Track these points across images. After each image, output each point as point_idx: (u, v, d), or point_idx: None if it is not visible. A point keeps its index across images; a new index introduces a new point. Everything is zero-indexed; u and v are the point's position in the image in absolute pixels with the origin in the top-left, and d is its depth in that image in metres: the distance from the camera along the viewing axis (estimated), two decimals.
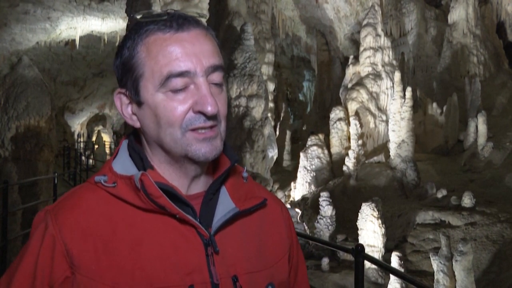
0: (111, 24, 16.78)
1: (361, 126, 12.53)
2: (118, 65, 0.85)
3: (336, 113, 13.31)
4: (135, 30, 0.83)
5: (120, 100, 0.86)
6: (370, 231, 7.10)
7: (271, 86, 14.48)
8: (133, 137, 0.89)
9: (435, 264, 6.10)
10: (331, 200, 8.65)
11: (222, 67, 0.84)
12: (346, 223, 8.98)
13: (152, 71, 0.80)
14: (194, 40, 0.81)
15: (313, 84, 23.24)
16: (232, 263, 0.84)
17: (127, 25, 10.63)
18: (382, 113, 12.99)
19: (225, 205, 0.87)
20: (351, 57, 14.51)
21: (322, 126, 16.95)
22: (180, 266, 0.80)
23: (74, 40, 17.46)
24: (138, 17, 0.83)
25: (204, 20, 0.87)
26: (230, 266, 0.83)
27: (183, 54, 0.79)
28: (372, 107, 13.04)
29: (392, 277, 5.95)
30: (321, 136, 13.42)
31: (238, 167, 0.93)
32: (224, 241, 0.84)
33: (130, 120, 0.85)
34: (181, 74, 0.79)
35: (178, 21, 0.81)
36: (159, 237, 0.80)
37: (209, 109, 0.78)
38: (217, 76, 0.82)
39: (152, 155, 0.86)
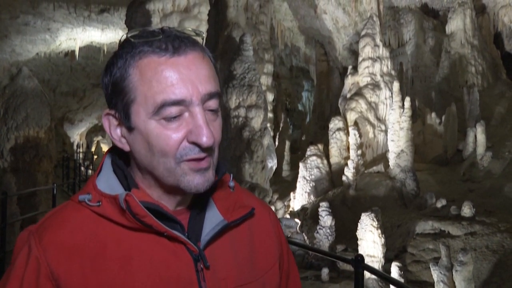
0: (110, 35, 16.88)
1: (360, 136, 12.53)
2: (107, 84, 0.81)
3: (335, 123, 13.32)
4: (127, 50, 0.79)
5: (108, 121, 0.82)
6: (370, 241, 7.07)
7: (270, 97, 14.51)
8: (117, 153, 0.86)
9: (435, 274, 6.08)
10: (330, 210, 8.64)
11: (219, 94, 0.81)
12: (346, 233, 8.95)
13: (145, 96, 0.76)
14: (190, 65, 0.77)
15: (312, 94, 23.30)
16: (223, 277, 0.83)
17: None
18: (381, 123, 13.01)
19: (213, 218, 0.86)
20: (350, 67, 14.54)
21: (321, 136, 16.95)
22: (171, 283, 0.78)
23: (73, 51, 17.55)
24: (130, 35, 0.79)
25: (200, 39, 0.84)
26: (221, 280, 0.82)
27: (178, 81, 0.76)
28: (371, 117, 13.07)
29: (392, 287, 5.92)
30: (320, 146, 13.42)
31: (225, 176, 0.91)
32: (214, 255, 0.83)
33: (119, 142, 0.82)
34: (176, 103, 0.75)
35: (174, 44, 0.77)
36: (149, 254, 0.79)
37: (205, 140, 0.76)
38: (213, 103, 0.79)
39: (142, 178, 0.83)
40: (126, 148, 0.81)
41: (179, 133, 0.76)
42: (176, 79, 0.76)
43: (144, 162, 0.80)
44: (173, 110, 0.76)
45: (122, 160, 0.85)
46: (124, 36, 0.80)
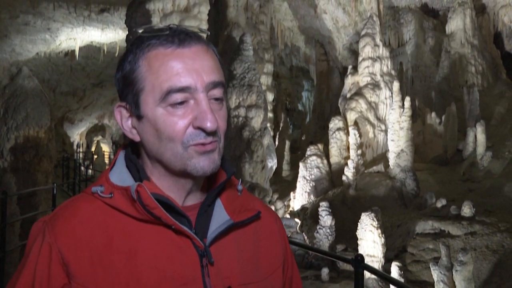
0: (110, 35, 16.86)
1: (360, 136, 12.54)
2: (119, 79, 0.85)
3: (335, 123, 13.32)
4: (136, 44, 0.84)
5: (120, 114, 0.86)
6: (370, 241, 7.07)
7: (270, 96, 14.51)
8: (130, 148, 0.90)
9: (435, 274, 6.08)
10: (330, 210, 8.63)
11: (223, 84, 0.84)
12: (346, 233, 8.95)
13: (152, 85, 0.81)
14: (195, 56, 0.81)
15: (312, 94, 23.29)
16: (227, 275, 0.84)
17: (126, 36, 10.67)
18: (381, 123, 13.01)
19: (220, 217, 0.88)
20: (350, 67, 14.53)
21: (321, 136, 16.95)
22: (175, 277, 0.80)
23: (73, 51, 17.53)
24: (140, 31, 0.84)
25: (205, 36, 0.88)
26: (224, 278, 0.84)
27: (184, 70, 0.80)
28: (371, 117, 13.07)
29: (392, 287, 5.92)
30: (320, 146, 13.42)
31: (234, 180, 0.94)
32: (219, 252, 0.85)
33: (130, 133, 0.86)
34: (181, 90, 0.80)
35: (180, 37, 0.82)
36: (155, 247, 0.81)
37: (209, 125, 0.79)
38: (217, 92, 0.83)
39: (152, 168, 0.86)
40: (137, 138, 0.86)
41: (185, 119, 0.80)
42: (182, 68, 0.80)
43: (152, 150, 0.84)
44: (178, 96, 0.80)
45: (135, 155, 0.89)
46: (133, 32, 0.86)
